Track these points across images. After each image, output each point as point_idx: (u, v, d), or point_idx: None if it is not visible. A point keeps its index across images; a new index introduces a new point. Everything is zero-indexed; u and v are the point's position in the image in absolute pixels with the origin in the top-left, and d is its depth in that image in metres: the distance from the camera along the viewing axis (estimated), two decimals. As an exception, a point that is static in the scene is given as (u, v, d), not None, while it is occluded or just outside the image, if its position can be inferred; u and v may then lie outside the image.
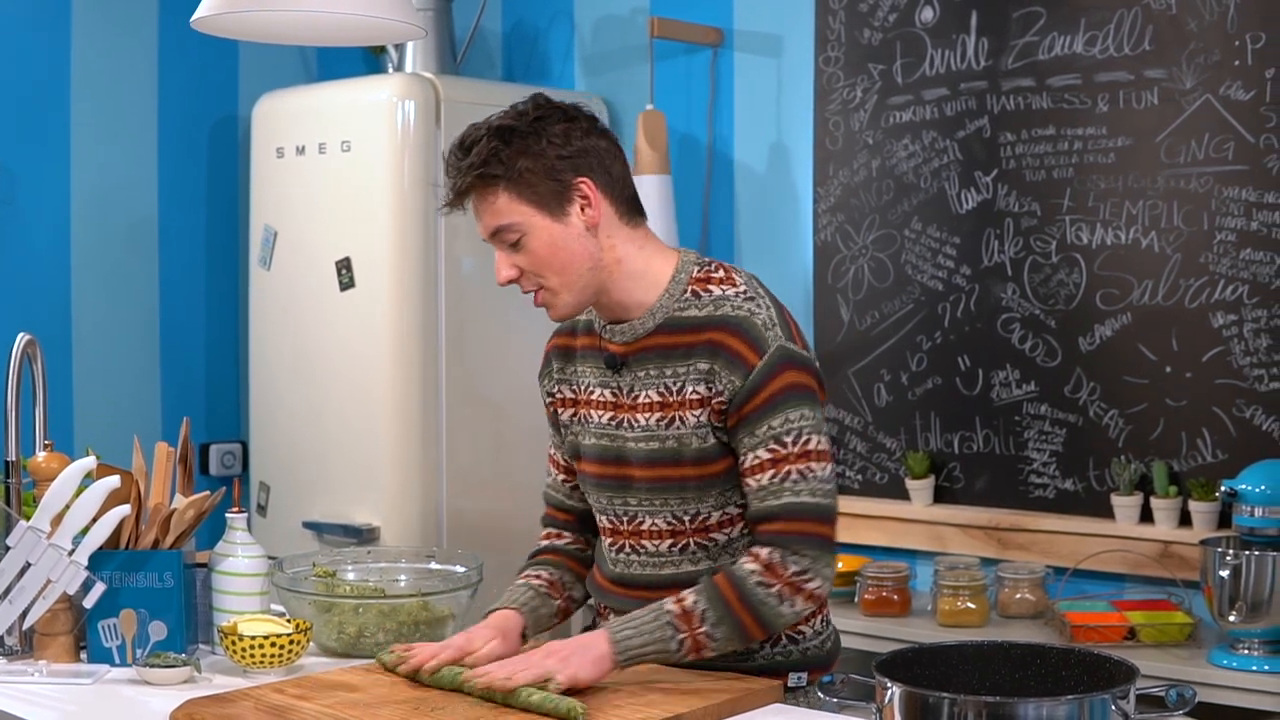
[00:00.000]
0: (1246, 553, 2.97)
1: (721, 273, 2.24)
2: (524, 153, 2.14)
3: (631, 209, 2.24)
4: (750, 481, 2.15)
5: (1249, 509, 3.00)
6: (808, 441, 2.13)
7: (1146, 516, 3.39)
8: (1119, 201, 3.45)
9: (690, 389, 2.17)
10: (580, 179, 2.17)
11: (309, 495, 4.02)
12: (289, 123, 4.07)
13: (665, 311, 2.21)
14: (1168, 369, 3.39)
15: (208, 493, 2.38)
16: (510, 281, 2.21)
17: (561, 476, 2.42)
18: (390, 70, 4.22)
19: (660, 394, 2.20)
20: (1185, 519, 3.34)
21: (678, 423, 2.18)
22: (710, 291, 2.21)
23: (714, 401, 2.16)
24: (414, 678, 2.14)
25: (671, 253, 2.27)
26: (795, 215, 4.01)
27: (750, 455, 2.14)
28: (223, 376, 4.58)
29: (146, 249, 4.42)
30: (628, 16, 4.30)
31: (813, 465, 2.13)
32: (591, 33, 4.40)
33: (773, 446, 2.12)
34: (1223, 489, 3.05)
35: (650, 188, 3.82)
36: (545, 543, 2.43)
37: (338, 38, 2.67)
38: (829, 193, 3.91)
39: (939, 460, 3.74)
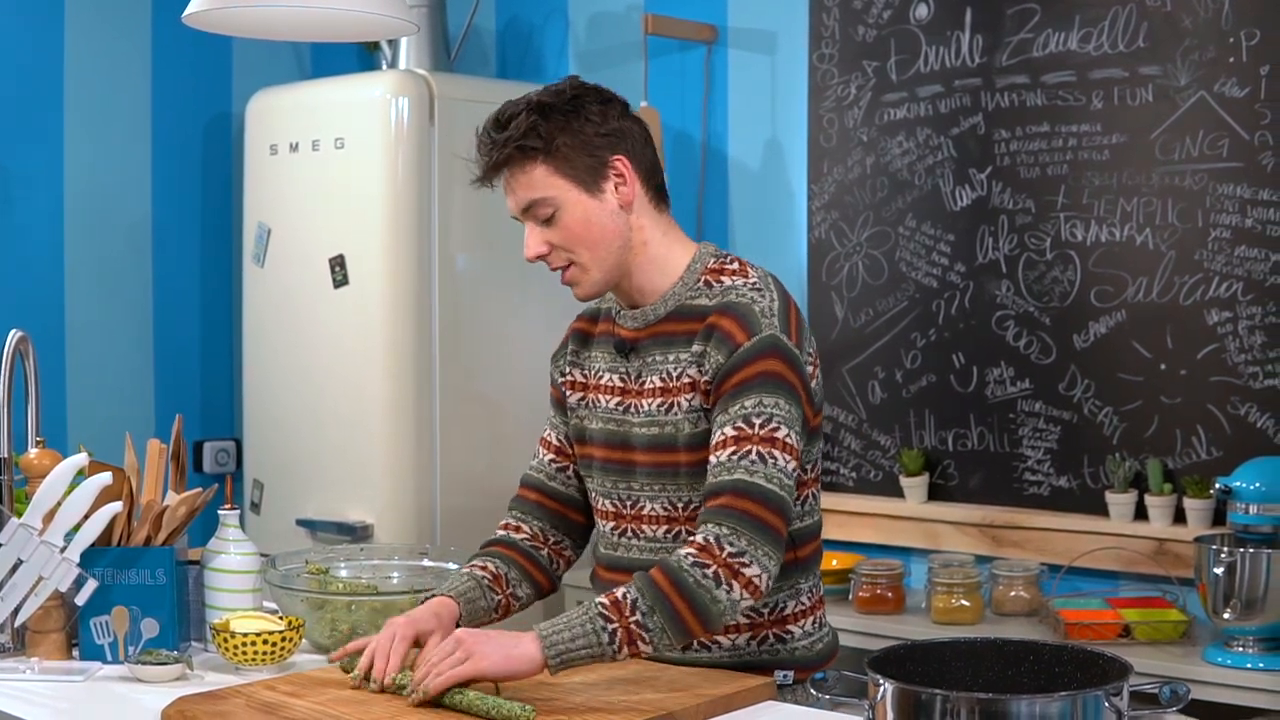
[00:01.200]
0: (1241, 550, 2.97)
1: (735, 264, 2.26)
2: (563, 129, 2.17)
3: (659, 195, 2.28)
4: (711, 458, 2.13)
5: (1243, 506, 3.00)
6: (776, 429, 2.11)
7: (1141, 514, 3.39)
8: (1113, 198, 3.45)
9: (684, 372, 2.19)
10: (616, 156, 2.20)
11: (303, 492, 4.01)
12: (283, 120, 4.06)
13: (678, 299, 2.24)
14: (1162, 366, 3.39)
15: (200, 490, 2.38)
16: (538, 257, 2.22)
17: (550, 457, 2.41)
18: (384, 67, 4.22)
19: (663, 380, 2.22)
20: (1180, 516, 3.33)
21: (675, 408, 2.20)
22: (721, 282, 2.23)
23: (702, 382, 2.17)
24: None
25: (691, 243, 2.30)
26: (789, 212, 4.00)
27: (718, 433, 2.13)
28: (216, 374, 4.58)
29: (140, 246, 4.42)
30: (622, 13, 4.29)
31: (776, 453, 2.10)
32: (586, 29, 4.40)
33: (739, 425, 2.11)
34: (1217, 486, 3.05)
35: (645, 185, 3.81)
36: (501, 534, 2.39)
37: (331, 34, 2.67)
38: (823, 190, 3.91)
39: (933, 457, 3.74)
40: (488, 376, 3.97)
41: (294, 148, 4.00)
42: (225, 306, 4.57)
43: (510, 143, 2.16)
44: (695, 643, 2.22)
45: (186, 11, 2.44)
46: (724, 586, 2.03)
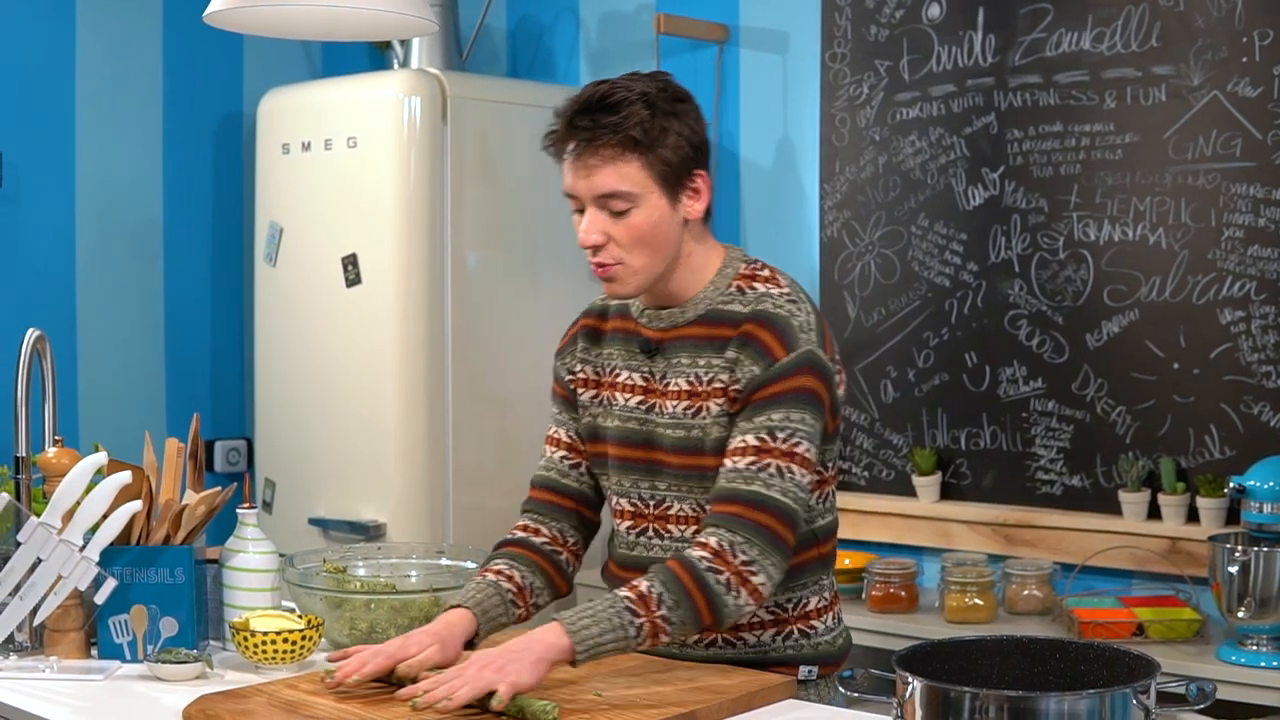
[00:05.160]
0: (1255, 549, 2.97)
1: (767, 272, 2.26)
2: (668, 130, 2.13)
3: (709, 208, 2.25)
4: (727, 461, 2.13)
5: (1257, 505, 3.00)
6: (797, 444, 2.12)
7: (1154, 513, 3.39)
8: (1126, 198, 3.45)
9: (715, 377, 2.18)
10: (700, 171, 2.19)
11: (315, 491, 4.02)
12: (294, 119, 4.06)
13: (708, 303, 2.23)
14: (1175, 365, 3.39)
15: (219, 489, 2.38)
16: (593, 246, 2.16)
17: (561, 454, 2.37)
18: (396, 66, 4.22)
19: (690, 383, 2.21)
20: (1193, 515, 3.33)
21: (703, 412, 2.19)
22: (755, 289, 2.22)
23: (731, 389, 2.17)
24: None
25: (720, 246, 2.29)
26: (801, 212, 4.00)
27: (738, 438, 2.13)
28: (228, 373, 4.58)
29: (152, 246, 4.42)
30: (633, 13, 4.29)
31: (794, 468, 2.11)
32: (597, 29, 4.40)
33: (762, 436, 2.12)
34: (1231, 485, 3.05)
35: (656, 184, 3.82)
36: (520, 534, 2.35)
37: (350, 32, 2.66)
38: (835, 189, 3.91)
39: (946, 457, 3.74)
40: (499, 375, 3.97)
41: (306, 147, 4.00)
42: (237, 306, 4.57)
43: (618, 130, 2.11)
44: (719, 638, 2.23)
45: (207, 11, 2.44)
46: (733, 593, 2.06)
